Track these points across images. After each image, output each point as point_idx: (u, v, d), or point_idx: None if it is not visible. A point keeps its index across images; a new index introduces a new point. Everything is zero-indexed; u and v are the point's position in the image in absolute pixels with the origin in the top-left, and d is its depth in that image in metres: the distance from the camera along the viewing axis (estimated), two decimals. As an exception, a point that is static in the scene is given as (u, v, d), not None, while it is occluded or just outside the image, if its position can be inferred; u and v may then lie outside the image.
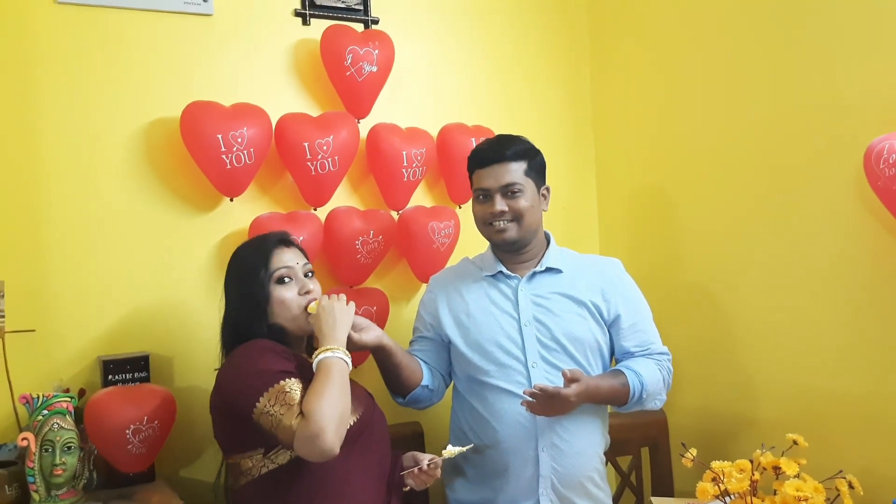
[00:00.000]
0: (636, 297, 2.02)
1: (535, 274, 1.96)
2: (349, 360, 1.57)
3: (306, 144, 2.10)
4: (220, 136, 1.99)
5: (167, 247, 2.11)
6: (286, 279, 1.68)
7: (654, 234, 2.63)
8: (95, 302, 2.01)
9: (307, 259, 1.76)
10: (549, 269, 1.97)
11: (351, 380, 1.60)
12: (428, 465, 1.68)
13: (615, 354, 2.00)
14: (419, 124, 2.41)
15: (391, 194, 2.33)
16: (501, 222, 1.89)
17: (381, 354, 1.85)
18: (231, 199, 2.13)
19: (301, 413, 1.46)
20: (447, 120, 2.47)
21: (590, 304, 1.94)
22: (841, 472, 1.61)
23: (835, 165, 2.01)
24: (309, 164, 2.12)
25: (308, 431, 1.43)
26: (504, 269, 1.97)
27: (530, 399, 1.73)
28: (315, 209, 2.25)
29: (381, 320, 2.29)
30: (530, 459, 1.85)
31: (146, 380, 1.96)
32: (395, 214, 2.37)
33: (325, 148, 2.12)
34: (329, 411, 1.45)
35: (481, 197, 1.93)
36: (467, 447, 1.69)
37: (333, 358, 1.55)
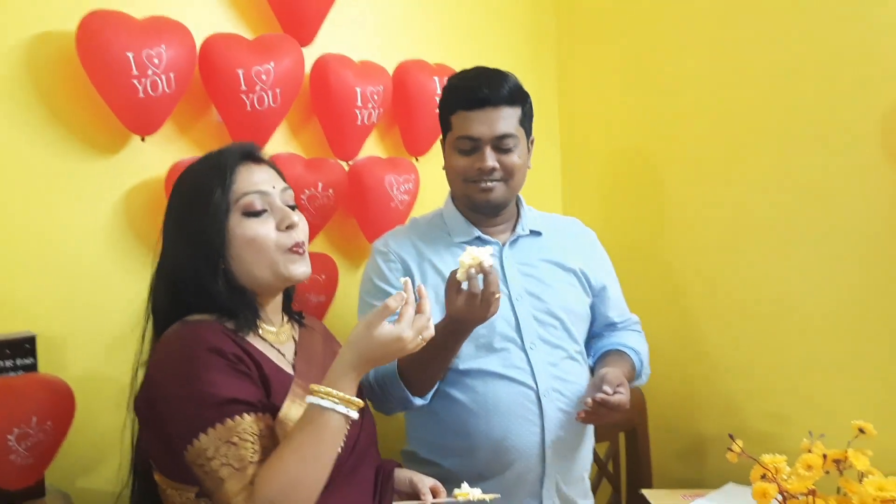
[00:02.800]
0: (609, 262, 1.84)
1: (518, 238, 1.68)
2: (355, 416, 1.12)
3: (241, 72, 1.69)
4: (130, 55, 1.56)
5: (58, 198, 1.65)
6: (257, 210, 1.21)
7: (630, 202, 2.36)
8: (-38, 267, 1.55)
9: (286, 183, 1.29)
10: (532, 233, 1.70)
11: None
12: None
13: (594, 325, 1.78)
14: (371, 58, 2.03)
15: (340, 140, 1.95)
16: (489, 181, 1.58)
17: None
18: (142, 139, 1.69)
19: (252, 484, 1.05)
20: (404, 56, 2.11)
21: (578, 272, 1.72)
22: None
23: (856, 120, 1.79)
24: (244, 96, 1.71)
25: None
26: (482, 235, 1.66)
27: (587, 409, 1.47)
28: (248, 155, 1.83)
29: (329, 292, 1.92)
30: (535, 457, 1.56)
31: (32, 368, 1.51)
32: (344, 165, 1.99)
33: (264, 78, 1.72)
34: (296, 498, 1.05)
35: (466, 147, 1.59)
36: (491, 497, 1.29)
37: (336, 413, 1.08)
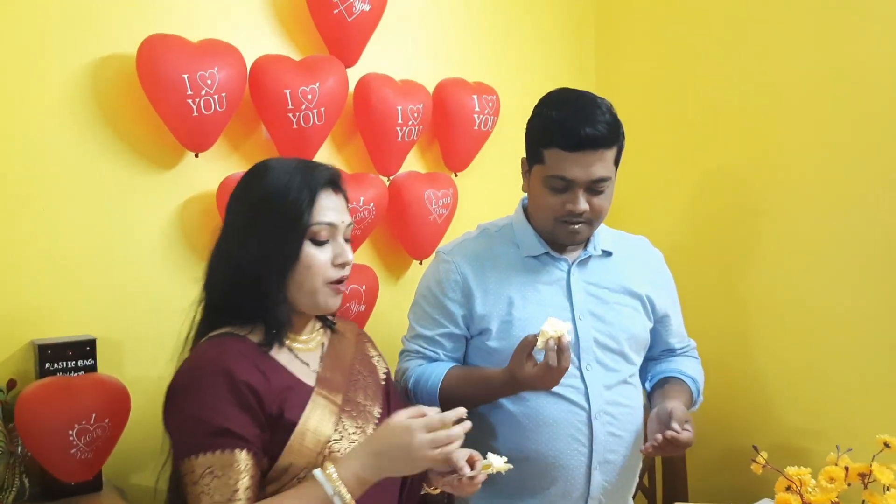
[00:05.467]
0: (674, 286, 1.77)
1: (590, 258, 1.63)
2: None
3: (288, 92, 1.79)
4: (185, 77, 1.66)
5: (119, 210, 1.77)
6: (322, 241, 1.24)
7: (664, 210, 2.39)
8: (30, 274, 1.67)
9: (350, 215, 1.33)
10: (603, 253, 1.64)
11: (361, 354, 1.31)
12: (469, 477, 1.26)
13: (653, 349, 1.74)
14: (413, 77, 2.11)
15: (382, 156, 2.03)
16: (577, 223, 1.51)
17: None
18: (196, 155, 1.80)
19: None
20: (444, 74, 2.18)
21: (644, 297, 1.65)
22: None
23: None
24: (290, 115, 1.80)
25: None
26: (550, 251, 1.60)
27: (655, 444, 1.44)
28: (295, 170, 1.92)
29: (369, 302, 1.99)
30: (581, 477, 1.54)
31: (92, 368, 1.63)
32: (385, 180, 2.07)
33: (309, 97, 1.81)
34: None
35: (559, 186, 1.49)
36: (506, 468, 1.29)
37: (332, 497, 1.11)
